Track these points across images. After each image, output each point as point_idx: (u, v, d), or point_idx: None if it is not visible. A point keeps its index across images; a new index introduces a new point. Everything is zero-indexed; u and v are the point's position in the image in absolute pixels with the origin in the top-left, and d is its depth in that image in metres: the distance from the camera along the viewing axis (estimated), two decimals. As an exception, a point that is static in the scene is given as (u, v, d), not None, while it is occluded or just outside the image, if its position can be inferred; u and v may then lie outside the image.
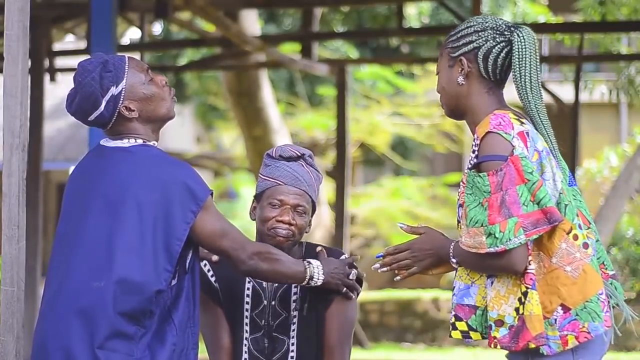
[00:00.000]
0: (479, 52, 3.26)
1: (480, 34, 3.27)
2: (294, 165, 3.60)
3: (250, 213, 3.65)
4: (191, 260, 3.29)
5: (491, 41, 3.26)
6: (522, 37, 3.26)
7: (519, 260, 3.12)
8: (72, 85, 3.30)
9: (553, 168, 3.21)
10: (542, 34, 13.06)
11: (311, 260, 3.47)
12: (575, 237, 3.19)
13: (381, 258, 3.36)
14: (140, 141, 3.30)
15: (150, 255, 3.18)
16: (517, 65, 3.25)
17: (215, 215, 3.27)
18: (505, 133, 3.15)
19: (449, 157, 20.51)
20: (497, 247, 3.10)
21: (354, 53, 17.16)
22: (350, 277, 3.54)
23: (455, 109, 3.34)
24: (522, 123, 3.22)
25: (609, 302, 3.23)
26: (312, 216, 3.65)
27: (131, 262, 3.17)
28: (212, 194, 3.28)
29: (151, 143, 3.32)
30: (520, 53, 3.25)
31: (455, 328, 3.26)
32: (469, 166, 3.21)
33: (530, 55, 3.25)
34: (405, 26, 11.59)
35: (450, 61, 3.31)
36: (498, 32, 3.27)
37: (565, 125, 10.76)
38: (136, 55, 12.43)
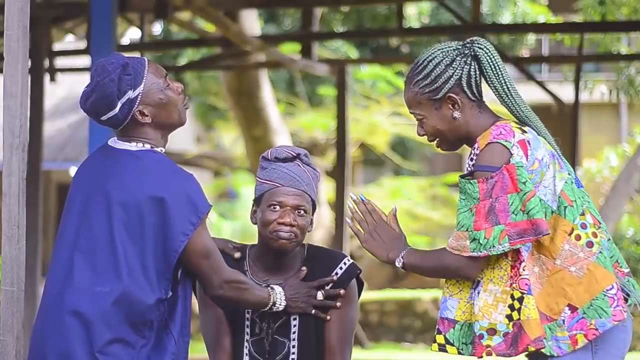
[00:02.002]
0: (462, 82, 3.26)
1: (453, 65, 3.25)
2: (290, 166, 3.59)
3: (251, 217, 3.64)
4: (182, 270, 3.28)
5: (466, 67, 3.26)
6: (484, 48, 3.26)
7: (469, 268, 3.17)
8: (89, 83, 3.28)
9: (555, 173, 3.22)
10: (542, 34, 13.07)
11: (275, 287, 3.48)
12: (578, 237, 3.20)
13: (363, 201, 3.40)
14: (148, 146, 3.28)
15: (151, 264, 3.17)
16: (494, 76, 3.27)
17: (207, 233, 3.26)
18: (506, 141, 3.17)
19: (449, 157, 20.51)
20: (480, 252, 3.14)
21: (354, 53, 17.16)
22: (318, 297, 3.54)
23: (456, 141, 3.34)
24: (523, 132, 3.22)
25: (622, 297, 3.23)
26: (312, 215, 3.64)
27: (135, 271, 3.16)
28: (209, 210, 3.26)
29: (158, 149, 3.30)
30: (491, 64, 3.26)
31: (434, 341, 3.29)
32: (464, 173, 3.23)
33: (499, 62, 3.27)
34: (405, 26, 11.59)
35: (435, 104, 3.27)
36: (463, 54, 3.27)
37: (565, 125, 10.74)
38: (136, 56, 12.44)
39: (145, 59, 3.33)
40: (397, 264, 3.30)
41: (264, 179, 3.59)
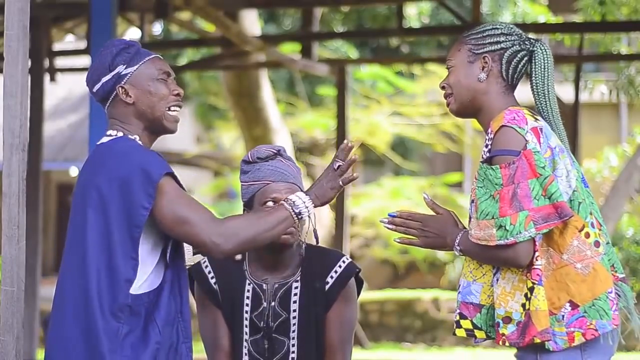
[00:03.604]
0: (505, 54, 3.32)
1: (507, 37, 3.33)
2: (274, 163, 3.61)
3: (244, 221, 3.64)
4: (171, 252, 3.24)
5: (517, 46, 3.33)
6: (544, 50, 3.34)
7: (524, 255, 3.13)
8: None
9: (567, 166, 3.24)
10: (542, 34, 13.06)
11: (292, 198, 3.24)
12: (587, 235, 3.21)
13: (393, 217, 3.36)
14: (121, 134, 3.29)
15: (116, 246, 3.14)
16: (540, 76, 3.34)
17: (175, 199, 3.15)
18: (519, 127, 3.19)
19: (449, 157, 20.51)
20: (507, 239, 3.12)
21: (354, 53, 17.16)
22: (343, 165, 3.27)
23: (469, 105, 3.35)
24: (536, 119, 3.26)
25: (618, 302, 3.25)
26: None
27: (100, 256, 3.15)
28: (171, 175, 3.17)
29: (133, 136, 3.28)
30: (544, 65, 3.33)
31: (459, 326, 3.28)
32: (482, 160, 3.23)
33: (551, 67, 3.34)
34: (405, 26, 11.59)
35: (471, 57, 3.33)
36: (522, 40, 3.35)
37: (566, 125, 10.68)
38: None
39: (159, 56, 3.38)
40: (456, 253, 3.29)
41: (251, 181, 3.60)
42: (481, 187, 3.19)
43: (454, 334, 3.31)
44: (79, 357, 3.13)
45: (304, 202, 3.25)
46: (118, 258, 3.15)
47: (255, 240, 3.18)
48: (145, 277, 3.19)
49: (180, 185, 3.21)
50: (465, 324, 3.27)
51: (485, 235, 3.15)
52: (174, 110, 3.33)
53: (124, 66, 3.29)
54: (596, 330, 3.17)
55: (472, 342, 3.37)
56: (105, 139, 3.30)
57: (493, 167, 3.17)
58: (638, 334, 3.35)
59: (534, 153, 3.15)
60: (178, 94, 3.34)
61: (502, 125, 3.19)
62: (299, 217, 3.23)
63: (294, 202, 3.24)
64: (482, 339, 3.27)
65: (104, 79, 3.30)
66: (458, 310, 3.28)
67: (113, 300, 3.14)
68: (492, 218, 3.14)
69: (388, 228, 3.37)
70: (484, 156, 3.22)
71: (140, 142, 3.27)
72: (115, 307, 3.14)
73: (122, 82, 3.28)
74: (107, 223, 3.15)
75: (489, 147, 3.21)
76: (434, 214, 3.39)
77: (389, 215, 3.38)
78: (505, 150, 3.16)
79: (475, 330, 3.26)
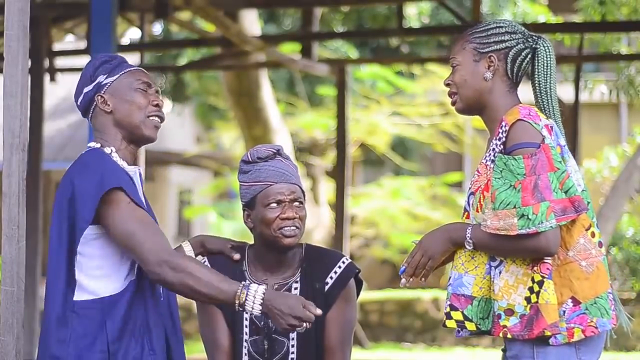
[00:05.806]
0: (510, 53, 3.35)
1: (512, 35, 3.36)
2: (274, 163, 3.61)
3: (245, 222, 3.64)
4: (131, 265, 3.25)
5: (521, 44, 3.36)
6: (547, 47, 3.37)
7: (555, 243, 3.16)
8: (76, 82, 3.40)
9: (574, 166, 3.30)
10: (542, 34, 13.10)
11: (252, 286, 3.11)
12: (593, 235, 3.26)
13: (404, 272, 3.37)
14: (98, 145, 3.31)
15: (62, 254, 3.19)
16: (543, 74, 3.37)
17: (126, 213, 3.14)
18: (535, 123, 3.23)
19: (449, 157, 20.51)
20: (529, 228, 3.14)
21: (354, 53, 17.16)
22: (299, 329, 3.11)
23: (475, 103, 3.38)
24: (547, 117, 3.32)
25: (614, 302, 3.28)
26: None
27: (54, 263, 3.21)
28: (123, 190, 3.16)
29: (108, 148, 3.29)
30: (547, 62, 3.36)
31: (450, 317, 3.29)
32: (498, 150, 3.24)
33: (553, 64, 3.37)
34: (405, 26, 11.58)
35: (476, 56, 3.36)
36: (525, 38, 3.38)
37: (565, 125, 10.67)
38: (136, 56, 12.44)
39: (141, 69, 3.39)
40: (467, 246, 3.27)
41: (252, 181, 3.59)
42: (499, 178, 3.20)
43: (444, 325, 3.33)
44: None
45: (252, 305, 3.11)
46: (62, 265, 3.19)
47: (185, 288, 3.11)
48: (96, 283, 3.20)
49: (134, 201, 3.18)
50: (456, 315, 3.29)
51: (505, 225, 3.16)
52: (152, 117, 3.34)
53: (105, 76, 3.32)
54: (596, 327, 3.21)
55: (468, 341, 3.38)
56: (84, 151, 3.33)
57: (515, 157, 3.19)
58: (627, 329, 3.39)
59: (551, 148, 3.20)
60: (157, 105, 3.34)
61: (519, 119, 3.23)
62: (240, 308, 3.12)
63: (248, 296, 3.10)
64: (472, 331, 3.28)
65: (86, 90, 3.33)
66: (448, 302, 3.31)
67: (61, 306, 3.17)
68: (514, 207, 3.16)
69: (412, 283, 3.37)
70: (496, 149, 3.24)
71: (115, 154, 3.28)
72: (62, 313, 3.17)
73: (102, 92, 3.31)
74: (60, 230, 3.20)
75: (502, 139, 3.23)
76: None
77: (400, 274, 3.37)
78: (527, 143, 3.20)
79: (465, 322, 3.28)
